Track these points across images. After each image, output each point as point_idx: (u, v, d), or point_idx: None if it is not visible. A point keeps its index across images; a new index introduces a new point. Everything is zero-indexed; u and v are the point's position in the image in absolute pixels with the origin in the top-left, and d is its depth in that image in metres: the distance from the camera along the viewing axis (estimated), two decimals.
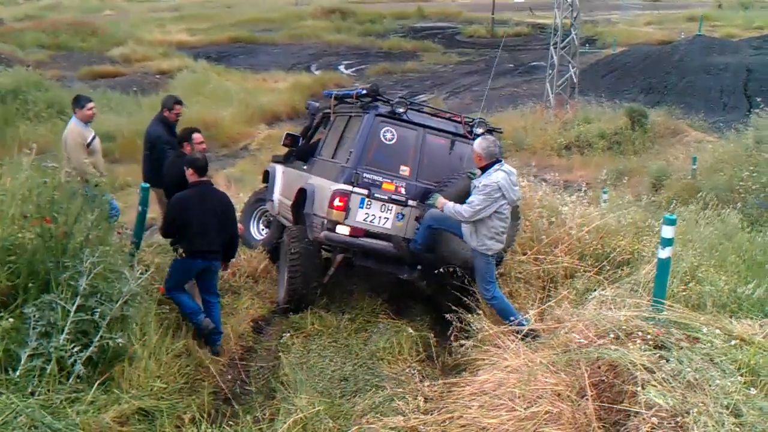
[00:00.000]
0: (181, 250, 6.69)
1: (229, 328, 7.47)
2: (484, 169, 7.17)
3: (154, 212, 9.43)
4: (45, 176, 5.84)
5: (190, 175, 7.04)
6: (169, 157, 8.47)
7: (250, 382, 6.64)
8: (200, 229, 6.75)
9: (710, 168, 15.71)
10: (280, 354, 7.05)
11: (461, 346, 6.61)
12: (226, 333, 7.32)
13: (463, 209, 6.95)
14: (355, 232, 7.69)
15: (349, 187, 7.67)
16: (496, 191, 6.92)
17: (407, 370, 6.61)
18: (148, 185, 7.72)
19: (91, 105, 8.29)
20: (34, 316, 4.91)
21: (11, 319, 4.86)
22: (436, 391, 5.86)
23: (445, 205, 7.17)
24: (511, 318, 6.74)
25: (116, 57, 39.34)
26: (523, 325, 6.51)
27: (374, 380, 6.44)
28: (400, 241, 7.72)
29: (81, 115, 8.18)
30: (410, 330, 7.45)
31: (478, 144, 7.21)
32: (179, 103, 9.28)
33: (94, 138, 8.19)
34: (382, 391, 6.06)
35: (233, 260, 8.00)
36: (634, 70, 34.01)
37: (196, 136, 7.70)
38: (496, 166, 7.09)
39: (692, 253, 7.21)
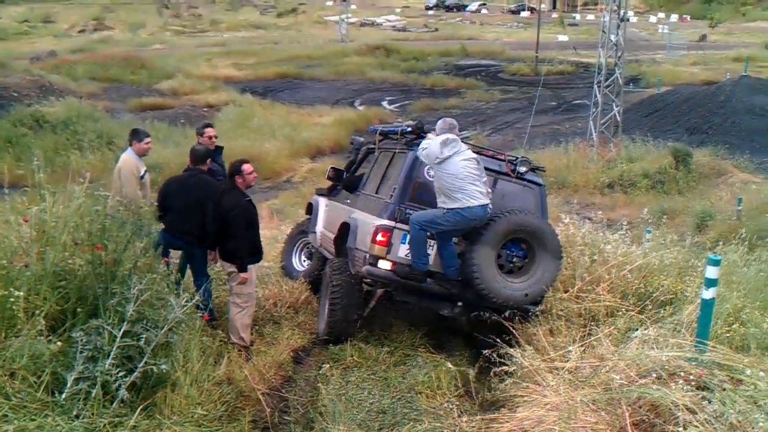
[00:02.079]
0: None
1: (269, 357, 7.54)
2: None
3: None
4: (97, 204, 6.00)
5: (189, 161, 7.93)
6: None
7: (289, 412, 6.69)
8: (172, 211, 6.98)
9: (756, 209, 15.49)
10: (319, 385, 7.09)
11: (500, 382, 6.59)
12: (267, 362, 7.40)
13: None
14: (396, 267, 7.75)
15: (392, 223, 7.75)
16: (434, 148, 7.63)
17: (445, 405, 6.61)
18: None
19: (149, 140, 8.51)
20: (82, 340, 5.03)
21: (59, 343, 4.98)
22: (474, 426, 5.86)
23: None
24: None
25: (165, 90, 40.09)
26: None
27: (412, 414, 6.46)
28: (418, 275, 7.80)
29: (138, 148, 8.38)
30: (449, 365, 7.44)
31: (438, 125, 8.03)
32: (209, 126, 9.53)
33: (146, 172, 8.40)
34: (420, 425, 6.08)
35: (274, 291, 8.05)
36: (679, 109, 33.65)
37: (246, 167, 7.83)
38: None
39: (736, 294, 7.12)
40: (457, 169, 7.54)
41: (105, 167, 16.84)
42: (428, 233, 7.62)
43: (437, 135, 7.86)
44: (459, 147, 7.70)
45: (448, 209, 7.49)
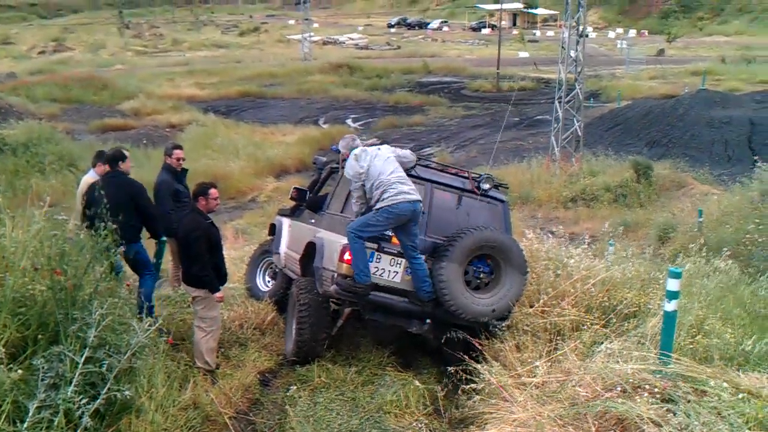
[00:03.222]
0: None
1: (235, 381, 7.47)
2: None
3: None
4: (56, 228, 5.91)
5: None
6: (170, 204, 8.75)
7: None
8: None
9: (716, 221, 15.72)
10: (287, 407, 7.03)
11: (469, 399, 6.59)
12: (234, 385, 7.32)
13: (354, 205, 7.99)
14: None
15: None
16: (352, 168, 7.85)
17: (414, 424, 6.60)
18: (165, 238, 7.84)
19: None
20: (43, 367, 4.92)
21: (20, 371, 4.88)
22: None
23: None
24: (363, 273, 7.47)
25: (127, 110, 39.81)
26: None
27: None
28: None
29: (101, 170, 8.30)
30: (417, 383, 7.43)
31: (340, 145, 8.26)
32: (178, 147, 9.48)
33: None
34: None
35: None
36: (638, 123, 34.13)
37: (213, 191, 7.77)
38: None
39: (698, 305, 7.21)
40: (379, 171, 7.69)
41: (66, 190, 16.66)
42: (365, 243, 7.60)
43: (348, 156, 8.03)
44: (371, 152, 7.90)
45: (377, 209, 7.57)
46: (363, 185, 7.81)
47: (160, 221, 8.30)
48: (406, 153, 8.17)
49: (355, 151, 7.95)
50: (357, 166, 7.78)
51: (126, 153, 8.49)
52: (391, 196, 7.53)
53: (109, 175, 8.13)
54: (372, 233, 7.61)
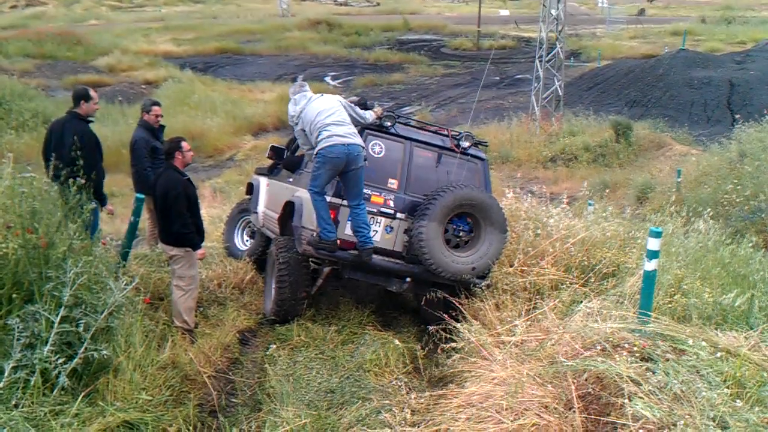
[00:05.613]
0: None
1: (214, 340, 7.43)
2: None
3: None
4: (24, 186, 5.78)
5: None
6: (147, 161, 8.66)
7: (236, 395, 6.60)
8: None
9: (695, 181, 15.80)
10: (266, 366, 7.02)
11: (448, 357, 6.61)
12: (213, 344, 7.28)
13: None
14: (345, 244, 7.69)
15: (338, 200, 7.67)
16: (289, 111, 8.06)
17: (394, 382, 6.59)
18: (143, 196, 7.72)
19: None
20: (18, 327, 4.86)
21: None
22: (422, 403, 5.84)
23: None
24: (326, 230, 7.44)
25: (101, 67, 39.14)
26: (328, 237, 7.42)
27: (361, 392, 6.42)
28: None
29: None
30: (397, 342, 7.43)
31: (290, 91, 8.20)
32: (156, 104, 9.37)
33: None
34: (368, 403, 6.05)
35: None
36: (619, 83, 34.15)
37: (184, 144, 7.62)
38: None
39: (677, 265, 7.24)
40: (316, 113, 7.68)
41: (40, 147, 16.39)
42: (324, 198, 7.56)
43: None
44: (308, 97, 7.92)
45: (314, 155, 7.60)
46: (303, 130, 7.82)
47: (102, 185, 8.08)
48: (364, 113, 8.05)
49: (295, 96, 7.98)
50: (292, 108, 7.87)
51: (93, 93, 8.27)
52: (324, 138, 7.48)
53: (66, 117, 8.01)
54: (322, 184, 7.53)
